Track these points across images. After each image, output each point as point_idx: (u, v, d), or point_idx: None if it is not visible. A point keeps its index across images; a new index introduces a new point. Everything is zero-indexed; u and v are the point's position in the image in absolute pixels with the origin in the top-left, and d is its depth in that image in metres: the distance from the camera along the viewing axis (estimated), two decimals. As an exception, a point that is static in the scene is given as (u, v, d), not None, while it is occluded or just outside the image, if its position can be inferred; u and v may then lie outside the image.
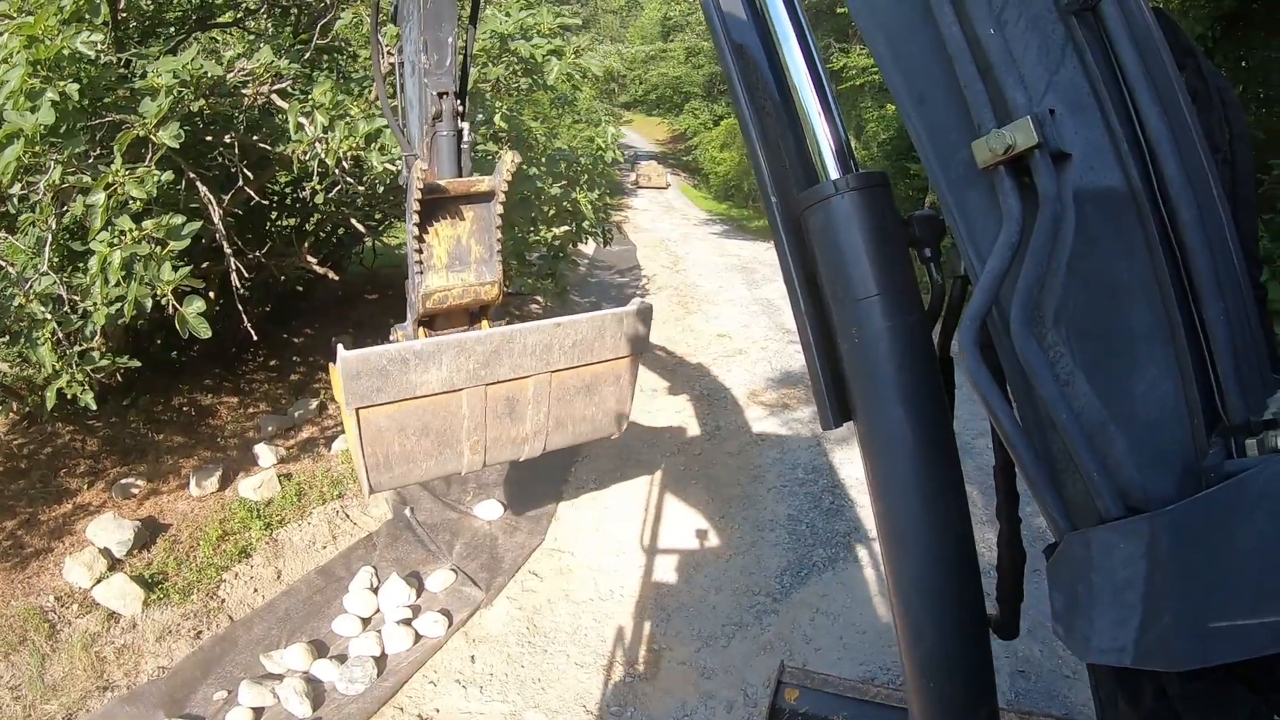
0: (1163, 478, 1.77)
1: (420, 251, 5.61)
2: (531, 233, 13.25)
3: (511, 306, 16.41)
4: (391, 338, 5.99)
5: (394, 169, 8.67)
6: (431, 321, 6.03)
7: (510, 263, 12.81)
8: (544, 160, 12.49)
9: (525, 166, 11.97)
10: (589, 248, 19.92)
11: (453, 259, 5.79)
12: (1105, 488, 1.76)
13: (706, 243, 29.00)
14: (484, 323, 6.28)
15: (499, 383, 5.75)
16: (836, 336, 2.40)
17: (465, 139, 5.84)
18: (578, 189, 14.36)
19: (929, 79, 2.10)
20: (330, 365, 5.50)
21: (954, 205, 2.07)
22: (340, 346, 5.17)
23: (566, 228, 14.25)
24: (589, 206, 14.34)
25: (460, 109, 5.75)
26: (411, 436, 5.59)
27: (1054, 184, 1.82)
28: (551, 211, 13.70)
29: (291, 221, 13.97)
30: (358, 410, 5.26)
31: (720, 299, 20.21)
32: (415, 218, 5.34)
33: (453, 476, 9.76)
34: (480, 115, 11.38)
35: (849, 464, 11.27)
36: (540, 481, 11.18)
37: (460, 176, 5.73)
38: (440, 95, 5.60)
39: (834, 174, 2.38)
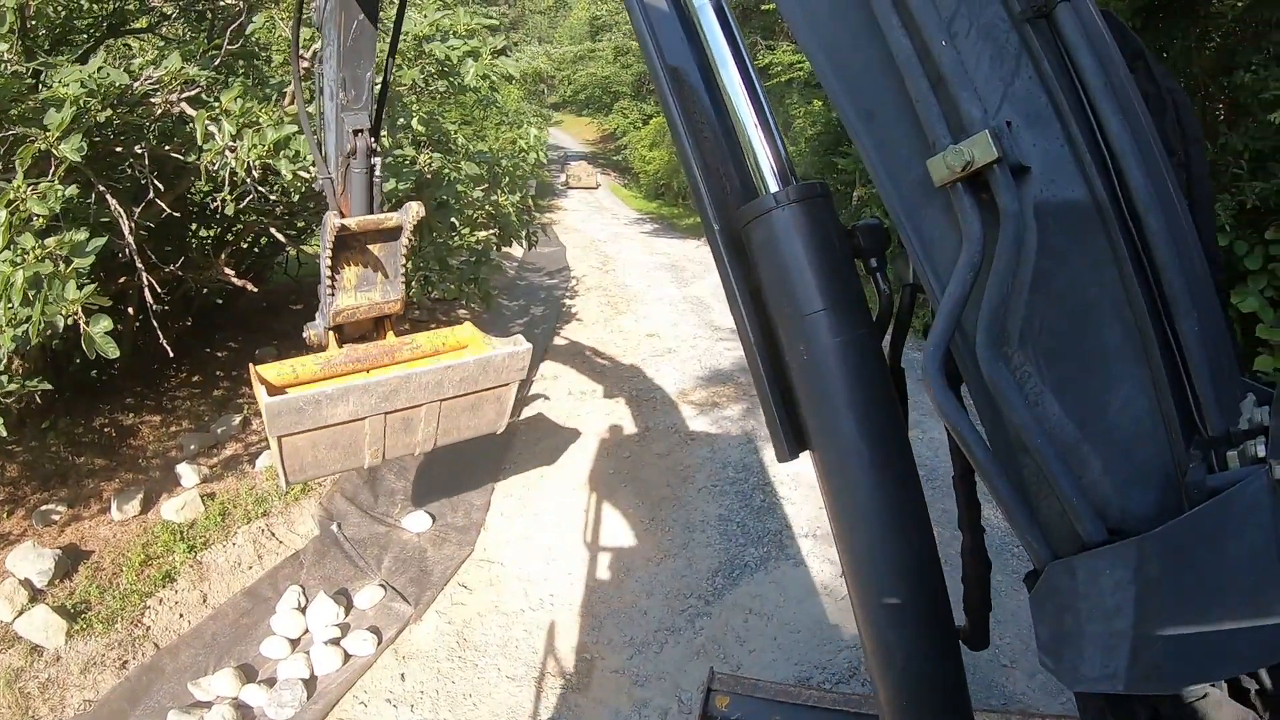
0: (1142, 495, 1.76)
1: (332, 280, 6.20)
2: (454, 238, 13.06)
3: (439, 312, 16.27)
4: (304, 335, 6.70)
5: (306, 176, 8.48)
6: (341, 328, 6.75)
7: (433, 267, 12.72)
8: (463, 163, 12.27)
9: (445, 170, 11.81)
10: (518, 250, 19.77)
11: (361, 281, 6.40)
12: (1084, 511, 1.73)
13: (636, 242, 28.95)
14: (387, 327, 6.97)
15: (396, 411, 6.46)
16: (785, 355, 2.35)
17: (377, 174, 6.17)
18: (499, 192, 14.20)
19: (877, 94, 2.03)
20: (249, 372, 6.47)
21: (909, 225, 2.01)
22: (264, 395, 5.89)
23: (490, 231, 14.09)
24: (511, 209, 14.19)
25: (374, 146, 6.04)
26: (323, 450, 6.34)
27: (1015, 200, 1.76)
28: (476, 215, 13.55)
29: (211, 232, 13.69)
30: (279, 436, 6.00)
31: (650, 298, 20.14)
32: (329, 259, 6.00)
33: (380, 491, 10.82)
34: (400, 119, 11.21)
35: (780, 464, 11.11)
36: (469, 491, 11.05)
37: (371, 212, 6.16)
38: (356, 132, 5.89)
39: (774, 187, 2.36)
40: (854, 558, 2.34)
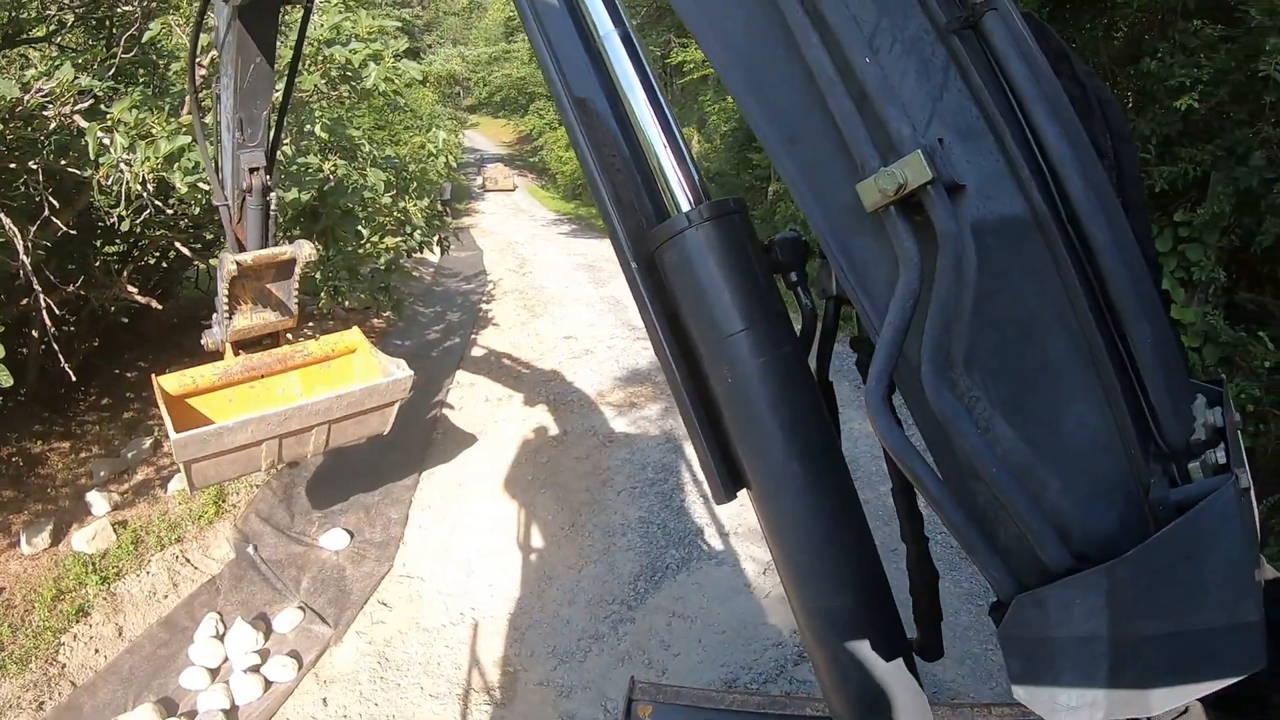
0: (1103, 513, 1.70)
1: (229, 308, 6.61)
2: (363, 246, 12.81)
3: (354, 322, 15.97)
4: (202, 342, 7.04)
5: (204, 188, 8.24)
6: (238, 341, 7.18)
7: (342, 277, 12.47)
8: (369, 170, 12.03)
9: (350, 177, 11.58)
10: (435, 256, 19.53)
11: (256, 303, 6.79)
12: (1046, 538, 1.65)
13: (554, 243, 28.78)
14: (281, 337, 7.38)
15: (290, 434, 7.00)
16: (709, 380, 2.23)
17: (273, 208, 6.46)
18: (407, 198, 13.96)
19: (798, 117, 1.92)
20: (154, 385, 6.95)
21: (840, 252, 1.91)
22: (171, 429, 6.29)
23: (399, 238, 13.86)
24: (419, 215, 13.96)
25: (269, 182, 6.24)
26: (225, 464, 6.91)
27: (953, 220, 1.66)
28: (385, 222, 13.32)
29: (116, 249, 13.29)
30: (186, 461, 6.53)
31: (567, 299, 20.00)
32: (225, 297, 6.46)
33: (296, 509, 10.76)
34: (305, 126, 10.96)
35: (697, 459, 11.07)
36: (387, 505, 10.86)
37: (266, 243, 6.46)
38: (252, 170, 6.05)
39: (685, 206, 2.23)
40: (798, 580, 2.25)
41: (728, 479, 2.29)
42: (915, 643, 2.42)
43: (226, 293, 6.48)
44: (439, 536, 10.37)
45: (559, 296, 20.19)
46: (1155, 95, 11.50)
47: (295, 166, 10.30)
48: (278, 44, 5.96)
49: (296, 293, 6.90)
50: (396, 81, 12.36)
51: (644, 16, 29.96)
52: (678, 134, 2.32)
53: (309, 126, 11.14)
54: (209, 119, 6.68)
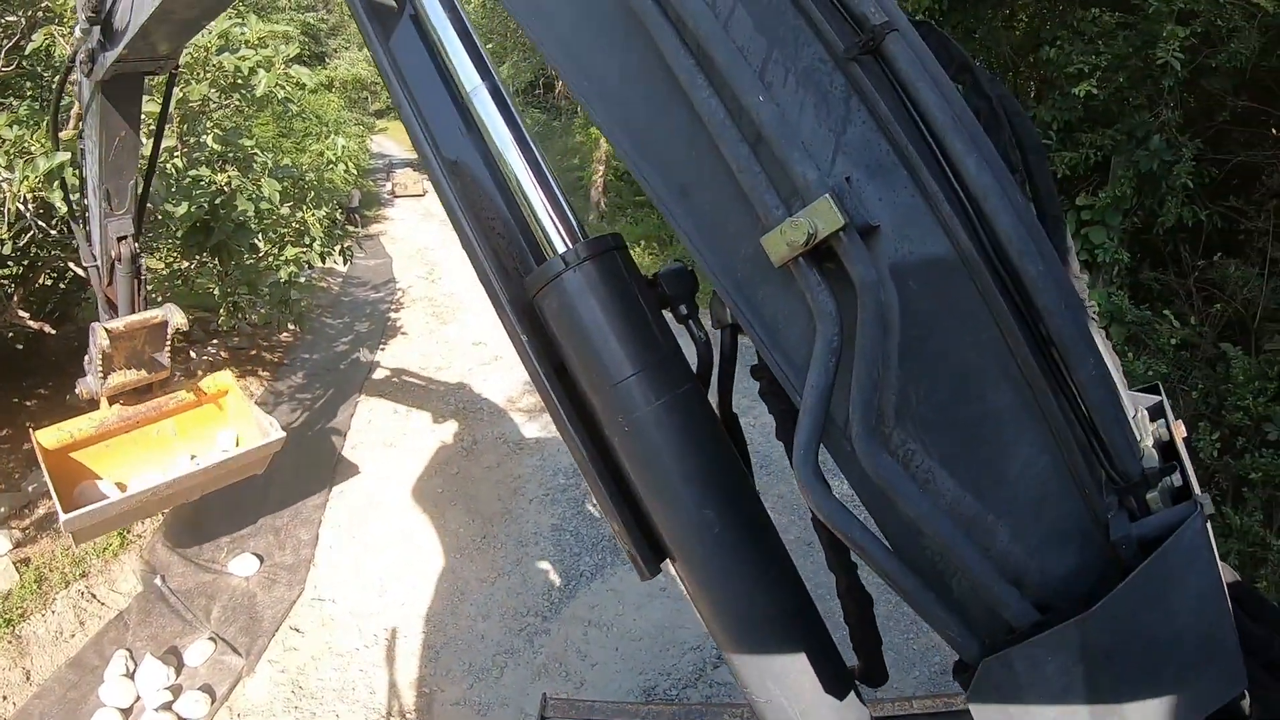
0: (1059, 557, 1.62)
1: (104, 368, 6.40)
2: (261, 259, 12.49)
3: (259, 338, 15.61)
4: (77, 390, 6.81)
5: (84, 208, 7.98)
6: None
7: (241, 292, 12.24)
8: (264, 180, 11.71)
9: (243, 189, 11.29)
10: (343, 265, 19.20)
11: (129, 361, 6.60)
12: (1005, 594, 1.58)
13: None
14: (156, 389, 7.20)
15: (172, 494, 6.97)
16: (605, 431, 2.12)
17: (142, 273, 6.35)
18: (305, 207, 13.64)
19: (689, 166, 1.79)
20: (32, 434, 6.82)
21: (746, 309, 1.79)
22: (60, 509, 6.18)
23: (300, 249, 13.54)
24: (318, 225, 13.64)
25: (137, 250, 6.14)
26: (108, 524, 6.95)
27: (871, 268, 1.55)
28: (284, 234, 13.02)
29: (9, 271, 12.79)
30: (73, 532, 6.45)
31: (476, 304, 19.57)
32: (99, 367, 6.29)
33: (204, 535, 10.35)
34: (193, 138, 10.66)
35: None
36: (297, 525, 10.60)
37: (136, 307, 6.34)
38: (120, 239, 5.94)
39: (560, 247, 2.13)
40: (726, 625, 2.15)
41: (646, 548, 2.18)
42: (858, 670, 2.34)
43: (100, 367, 6.41)
44: (350, 556, 10.15)
45: (468, 302, 19.88)
46: (1055, 82, 11.72)
47: (187, 179, 9.97)
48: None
49: (169, 349, 6.83)
50: (288, 88, 12.10)
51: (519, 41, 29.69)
52: (550, 178, 2.22)
53: (202, 137, 10.80)
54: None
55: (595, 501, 7.97)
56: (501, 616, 8.75)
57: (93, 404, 6.97)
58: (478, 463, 11.92)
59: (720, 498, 2.05)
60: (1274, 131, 10.55)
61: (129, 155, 5.60)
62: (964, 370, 1.61)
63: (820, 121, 1.62)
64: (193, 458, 7.49)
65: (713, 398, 2.25)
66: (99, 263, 6.21)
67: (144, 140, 6.05)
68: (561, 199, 2.23)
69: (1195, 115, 11.15)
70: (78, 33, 4.73)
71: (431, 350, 16.71)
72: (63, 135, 8.25)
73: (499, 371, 15.01)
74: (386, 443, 12.70)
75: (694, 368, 2.22)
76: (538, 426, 12.76)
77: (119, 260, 6.06)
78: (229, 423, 7.83)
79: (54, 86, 5.79)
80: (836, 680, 2.14)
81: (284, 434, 7.52)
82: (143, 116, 5.64)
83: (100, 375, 6.47)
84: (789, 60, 1.63)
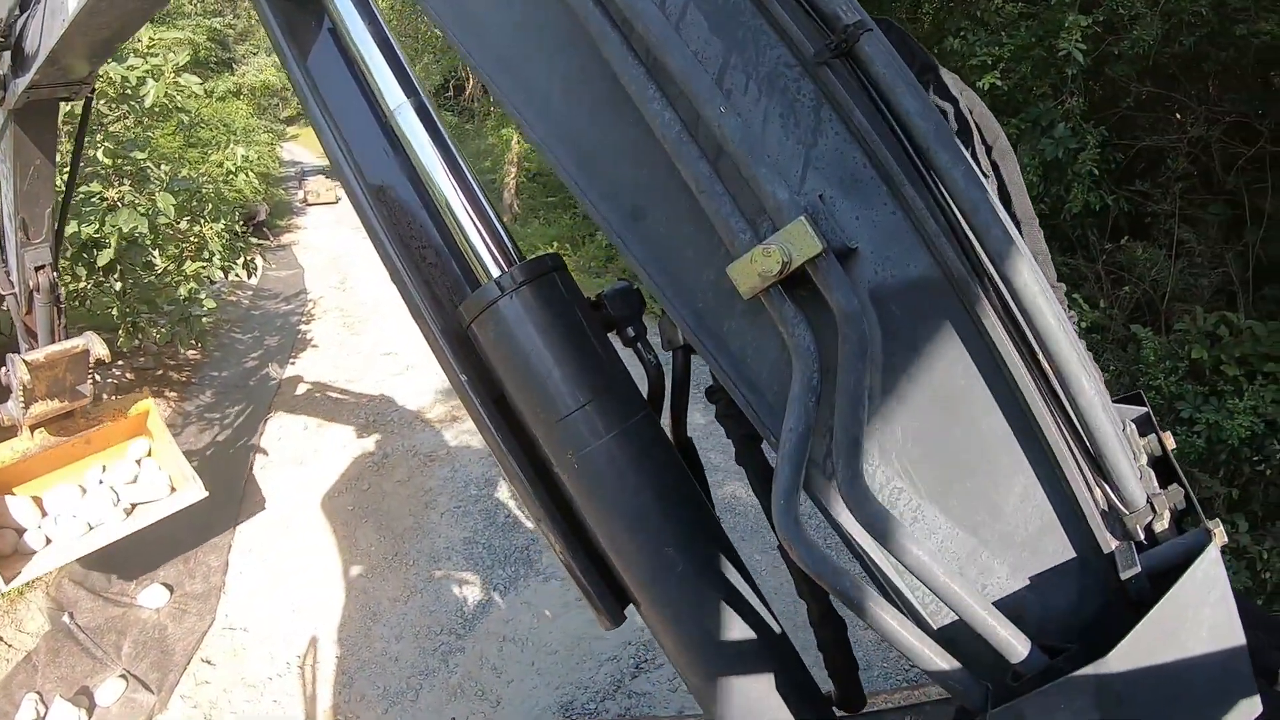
0: (1061, 590, 1.55)
1: (25, 399, 6.48)
2: (161, 276, 12.12)
3: (165, 358, 15.19)
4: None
5: None
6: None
7: (140, 311, 11.93)
8: (158, 195, 11.34)
9: (137, 204, 10.93)
10: (254, 279, 18.78)
11: (50, 390, 6.69)
12: (1009, 638, 1.47)
13: (376, 256, 27.81)
14: (78, 414, 7.29)
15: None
16: (553, 467, 1.98)
17: (61, 301, 6.41)
18: (203, 221, 13.27)
19: (642, 187, 1.65)
20: None
21: (710, 343, 1.65)
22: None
23: (200, 264, 13.18)
24: (216, 239, 13.29)
25: (55, 279, 6.17)
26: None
27: (853, 296, 1.43)
28: (182, 249, 12.68)
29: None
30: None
31: (387, 313, 19.31)
32: (20, 397, 6.37)
33: (112, 567, 9.79)
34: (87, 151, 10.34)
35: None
36: (206, 552, 10.28)
37: (55, 335, 6.42)
38: (38, 269, 5.97)
39: (495, 271, 1.99)
40: (696, 664, 2.00)
41: (607, 593, 2.05)
42: (835, 697, 2.27)
43: (23, 400, 6.48)
44: (261, 581, 9.88)
45: (379, 311, 19.59)
46: (960, 73, 11.75)
47: (77, 196, 9.64)
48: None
49: (90, 377, 6.93)
50: (178, 97, 11.77)
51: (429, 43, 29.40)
52: (482, 198, 2.06)
53: (91, 152, 10.45)
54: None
55: (507, 510, 7.91)
56: (415, 636, 8.56)
57: (13, 430, 7.01)
58: (389, 477, 11.71)
59: (681, 533, 1.93)
60: (1178, 116, 10.70)
61: (44, 184, 5.50)
62: (954, 398, 1.52)
63: (788, 133, 1.49)
64: (104, 468, 7.80)
65: (666, 422, 2.12)
66: (17, 292, 6.19)
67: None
68: (494, 219, 2.08)
69: (1100, 102, 11.30)
70: None
71: (342, 362, 16.42)
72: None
73: (410, 382, 14.80)
74: (296, 460, 12.41)
75: (645, 393, 2.10)
76: (448, 437, 12.60)
77: (37, 290, 6.12)
78: (143, 436, 8.11)
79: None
80: (814, 710, 2.03)
81: (205, 494, 7.99)
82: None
83: (22, 405, 6.50)
84: (750, 65, 1.50)
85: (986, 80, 10.65)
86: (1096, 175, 10.65)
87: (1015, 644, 1.47)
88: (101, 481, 7.84)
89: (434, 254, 2.17)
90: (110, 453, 7.98)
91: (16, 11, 4.09)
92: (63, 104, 5.17)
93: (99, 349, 6.60)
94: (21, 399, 6.44)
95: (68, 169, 6.27)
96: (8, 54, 4.35)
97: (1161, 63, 10.40)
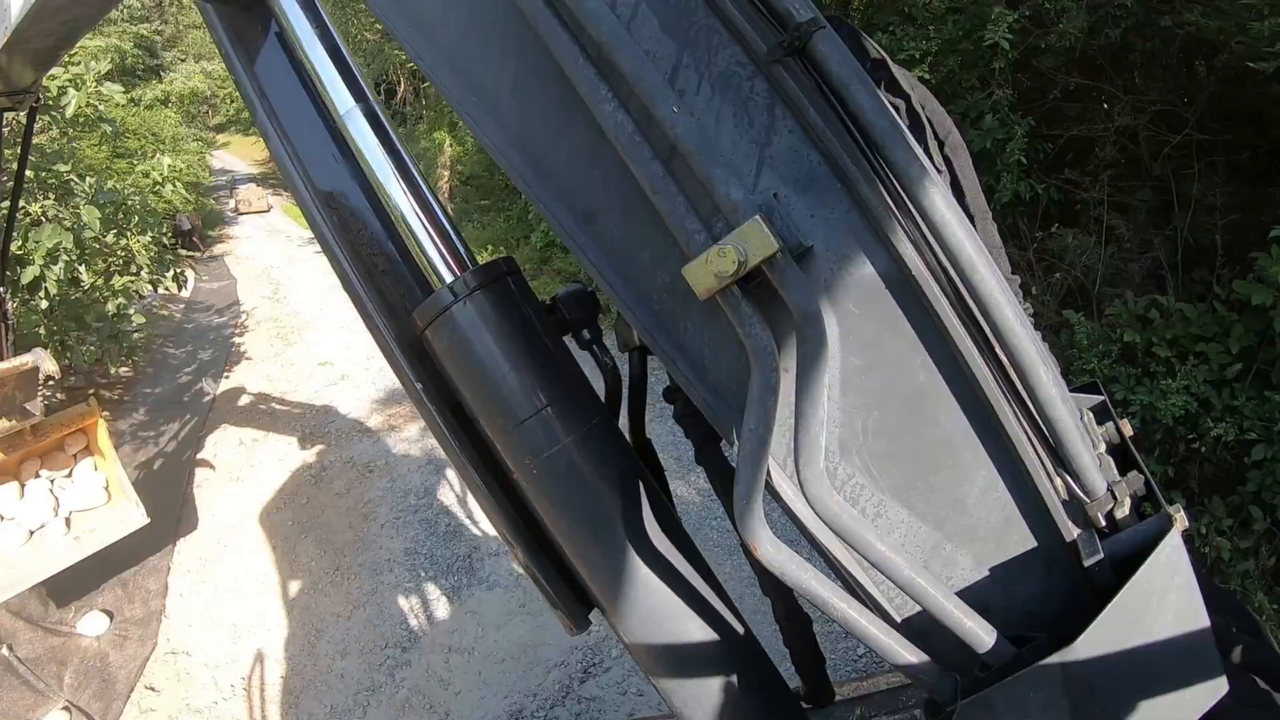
0: (1025, 580, 1.57)
1: None
2: (88, 292, 11.87)
3: (97, 374, 14.91)
4: None
5: None
6: None
7: (69, 328, 11.67)
8: (82, 208, 11.11)
9: (59, 217, 10.76)
10: (186, 291, 18.51)
11: (0, 409, 6.69)
12: (976, 629, 1.49)
13: (309, 264, 27.36)
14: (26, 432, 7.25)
15: None
16: (512, 475, 1.94)
17: (10, 317, 6.47)
18: (129, 233, 13.01)
19: (594, 189, 1.62)
20: None
21: (667, 345, 1.66)
22: None
23: (128, 279, 12.93)
24: (144, 252, 13.04)
25: (3, 294, 6.18)
26: None
27: (809, 296, 1.39)
28: (109, 263, 12.43)
29: None
30: None
31: (322, 323, 19.25)
32: None
33: (50, 595, 9.59)
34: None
35: (460, 478, 10.73)
36: (144, 576, 10.07)
37: (4, 358, 6.37)
38: None
39: (448, 277, 1.95)
40: (663, 666, 1.97)
41: (572, 599, 2.03)
42: (803, 693, 2.30)
43: None
44: (202, 603, 9.72)
45: (314, 320, 19.46)
46: (888, 68, 11.93)
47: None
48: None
49: (40, 395, 6.94)
50: (101, 107, 11.56)
51: (361, 45, 29.22)
52: (434, 204, 2.03)
53: (11, 165, 10.24)
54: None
55: (448, 519, 7.85)
56: (360, 652, 8.46)
57: None
58: (327, 490, 11.60)
59: (643, 536, 1.90)
60: (1105, 106, 10.81)
61: None
62: (914, 395, 1.51)
63: (742, 132, 1.47)
64: (37, 474, 7.65)
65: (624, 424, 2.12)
66: None
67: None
68: (447, 225, 2.04)
69: (1028, 94, 11.41)
70: None
71: (277, 374, 16.26)
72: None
73: (346, 392, 14.71)
74: (233, 477, 12.24)
75: (602, 396, 2.07)
76: (386, 447, 12.52)
77: None
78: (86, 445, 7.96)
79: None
80: (783, 707, 2.03)
81: (147, 520, 7.89)
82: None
83: None
84: (702, 65, 1.47)
85: (915, 73, 10.70)
86: (1025, 165, 10.76)
87: (982, 635, 1.48)
88: (39, 474, 7.74)
89: (386, 260, 2.13)
90: (49, 459, 7.86)
91: None
92: (6, 114, 5.06)
93: (49, 365, 6.53)
94: None
95: (10, 182, 6.11)
96: None
97: (1088, 54, 10.52)
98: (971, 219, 1.60)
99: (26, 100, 4.75)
